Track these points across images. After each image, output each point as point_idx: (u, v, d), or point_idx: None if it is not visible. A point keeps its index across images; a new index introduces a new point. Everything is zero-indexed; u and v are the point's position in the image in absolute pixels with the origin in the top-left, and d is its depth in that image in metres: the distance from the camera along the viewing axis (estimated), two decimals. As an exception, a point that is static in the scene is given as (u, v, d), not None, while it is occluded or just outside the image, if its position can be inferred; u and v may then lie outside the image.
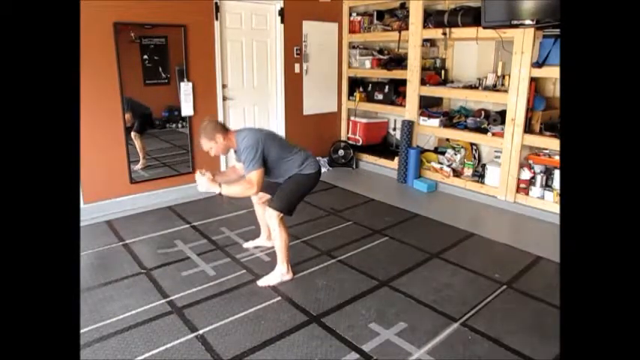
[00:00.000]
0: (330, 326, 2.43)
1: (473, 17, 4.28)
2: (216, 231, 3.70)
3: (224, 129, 2.76)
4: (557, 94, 4.31)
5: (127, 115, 4.11)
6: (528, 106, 4.04)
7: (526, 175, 4.17)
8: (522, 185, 4.20)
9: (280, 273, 2.86)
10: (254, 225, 3.45)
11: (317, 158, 5.59)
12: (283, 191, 2.81)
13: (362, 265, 3.11)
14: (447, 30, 4.55)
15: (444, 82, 5.05)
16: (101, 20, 3.77)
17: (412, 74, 4.96)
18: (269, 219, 2.80)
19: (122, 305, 2.61)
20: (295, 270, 2.97)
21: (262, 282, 2.85)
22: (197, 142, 4.50)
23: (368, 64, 5.63)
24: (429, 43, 5.27)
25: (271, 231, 2.85)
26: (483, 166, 4.62)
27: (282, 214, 2.78)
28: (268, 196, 2.97)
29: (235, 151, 2.85)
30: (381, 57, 5.64)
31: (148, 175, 4.43)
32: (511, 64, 4.09)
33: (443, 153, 5.07)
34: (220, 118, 4.68)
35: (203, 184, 2.66)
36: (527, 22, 3.70)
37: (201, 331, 2.37)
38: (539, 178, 4.12)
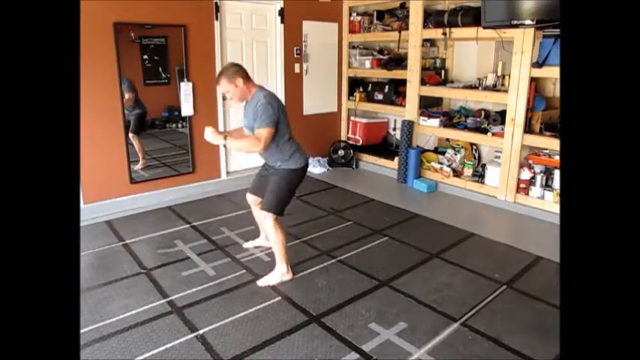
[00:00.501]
0: (330, 326, 2.43)
1: (473, 17, 4.28)
2: (216, 231, 3.70)
3: (247, 75, 2.70)
4: (557, 94, 4.32)
5: (128, 95, 4.08)
6: (528, 106, 4.04)
7: (526, 175, 4.17)
8: (522, 185, 4.20)
9: (280, 273, 2.86)
10: (254, 225, 3.45)
11: (317, 158, 5.64)
12: (271, 192, 2.78)
13: (362, 265, 3.11)
14: (447, 30, 4.55)
15: (444, 82, 5.05)
16: (101, 20, 3.77)
17: (412, 74, 4.96)
18: (264, 221, 2.80)
19: (122, 305, 2.61)
20: (295, 270, 2.97)
21: (262, 282, 2.85)
22: (198, 143, 4.54)
23: (368, 64, 5.63)
24: (429, 43, 5.27)
25: (268, 232, 2.85)
26: (483, 166, 4.62)
27: (274, 215, 2.76)
28: (260, 199, 2.95)
29: (246, 105, 2.78)
30: (381, 57, 5.64)
31: (147, 175, 4.43)
32: (511, 64, 4.09)
33: (443, 153, 5.07)
34: (220, 118, 4.69)
35: (209, 134, 2.64)
36: (527, 22, 3.70)
37: (201, 331, 2.37)
38: (539, 178, 4.12)
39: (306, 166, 2.88)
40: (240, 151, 2.87)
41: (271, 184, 2.81)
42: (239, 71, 2.67)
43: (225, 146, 2.67)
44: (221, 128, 4.71)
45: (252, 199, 3.12)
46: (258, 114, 2.61)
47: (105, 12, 3.77)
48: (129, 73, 4.08)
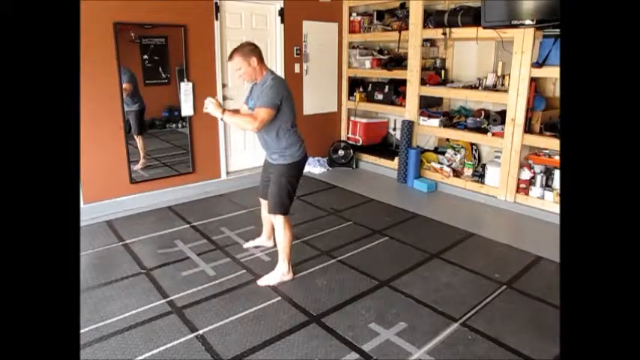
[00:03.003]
0: (330, 326, 2.43)
1: (473, 17, 4.28)
2: (216, 231, 3.70)
3: (261, 56, 2.69)
4: (557, 94, 4.31)
5: (126, 85, 4.06)
6: (528, 106, 4.04)
7: (526, 175, 4.17)
8: (522, 185, 4.20)
9: (281, 272, 2.86)
10: (254, 225, 3.45)
11: (317, 158, 5.64)
12: (272, 195, 2.77)
13: (362, 265, 3.11)
14: (447, 30, 4.55)
15: (444, 82, 5.05)
16: (101, 20, 3.77)
17: (412, 74, 4.96)
18: (274, 221, 2.81)
19: (122, 305, 2.61)
20: (295, 270, 2.97)
21: (262, 281, 2.85)
22: (198, 143, 4.54)
23: (368, 64, 5.63)
24: (429, 43, 5.27)
25: (276, 230, 2.85)
26: (483, 166, 4.62)
27: (282, 215, 2.78)
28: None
29: (253, 86, 2.77)
30: (381, 57, 5.64)
31: (148, 175, 4.43)
32: (511, 64, 4.09)
33: (443, 153, 5.07)
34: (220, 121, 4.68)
35: (210, 105, 2.61)
36: (527, 22, 3.70)
37: (201, 331, 2.37)
38: (539, 178, 4.12)
39: (304, 159, 2.83)
40: (236, 127, 2.82)
41: (271, 186, 2.81)
42: (255, 50, 2.65)
43: (222, 119, 2.64)
44: (221, 128, 4.72)
45: (264, 203, 3.12)
46: (260, 94, 2.61)
47: (105, 12, 3.77)
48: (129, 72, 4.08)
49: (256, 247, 3.37)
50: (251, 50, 2.64)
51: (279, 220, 2.78)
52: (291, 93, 2.74)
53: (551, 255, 3.24)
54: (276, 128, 2.70)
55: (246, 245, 3.39)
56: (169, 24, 4.22)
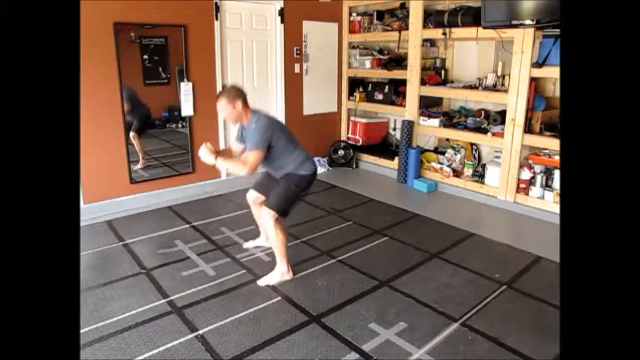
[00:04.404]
0: (330, 326, 2.43)
1: (473, 17, 4.28)
2: (216, 231, 3.70)
3: (246, 101, 2.79)
4: (557, 94, 4.31)
5: (126, 104, 4.07)
6: (528, 106, 4.04)
7: (526, 175, 4.17)
8: (522, 185, 4.20)
9: (280, 272, 2.86)
10: (254, 225, 3.45)
11: (317, 158, 5.64)
12: (278, 192, 2.81)
13: (362, 265, 3.11)
14: (447, 30, 4.55)
15: (444, 82, 5.05)
16: (101, 20, 3.76)
17: (412, 74, 4.96)
18: (265, 220, 2.81)
19: (122, 305, 2.61)
20: (295, 270, 2.97)
21: (262, 281, 2.85)
22: (197, 143, 4.53)
23: (368, 64, 5.63)
24: (429, 43, 5.27)
25: (268, 232, 2.86)
26: (483, 166, 4.62)
27: (277, 215, 2.78)
28: (263, 198, 2.98)
29: (242, 128, 2.90)
30: (381, 57, 5.64)
31: (148, 175, 4.43)
32: (511, 64, 4.09)
33: (443, 153, 5.06)
34: (220, 118, 4.69)
35: (203, 152, 2.75)
36: (527, 22, 3.70)
37: (201, 331, 2.37)
38: (539, 178, 4.12)
39: (315, 173, 2.94)
40: (230, 171, 3.04)
41: (280, 185, 2.84)
42: (240, 95, 2.77)
43: (215, 165, 2.79)
44: (221, 129, 4.72)
45: (253, 197, 3.13)
46: (248, 138, 2.76)
47: (105, 12, 3.77)
48: (129, 72, 4.07)
49: (256, 247, 3.37)
50: (236, 94, 2.75)
51: (269, 221, 2.77)
52: (281, 124, 2.93)
53: (551, 255, 3.24)
54: (281, 157, 2.81)
55: (246, 245, 3.39)
56: (169, 24, 4.22)
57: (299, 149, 2.87)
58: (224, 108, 2.75)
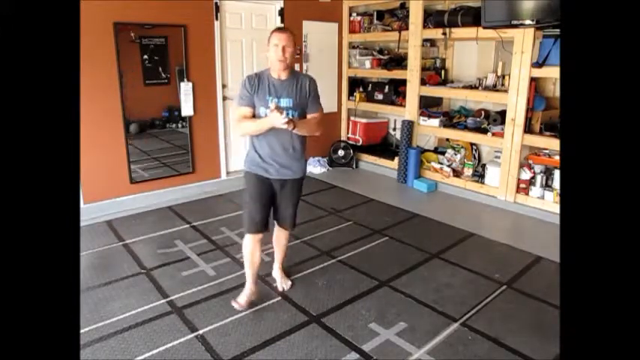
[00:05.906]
0: (330, 326, 2.43)
1: (473, 17, 4.28)
2: (216, 231, 3.70)
3: None
4: (557, 94, 4.31)
5: None
6: (528, 106, 4.04)
7: (526, 175, 4.17)
8: (522, 185, 4.20)
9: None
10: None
11: (317, 158, 5.63)
12: (292, 214, 2.64)
13: (362, 265, 3.11)
14: (447, 30, 4.55)
15: (444, 82, 5.05)
16: (101, 20, 3.76)
17: (412, 74, 4.95)
18: (284, 239, 2.73)
19: (122, 305, 2.61)
20: (295, 270, 2.98)
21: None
22: (198, 143, 4.53)
23: (368, 64, 5.63)
24: (429, 43, 5.27)
25: (282, 244, 2.78)
26: (483, 166, 4.62)
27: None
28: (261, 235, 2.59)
29: (271, 83, 2.42)
30: (381, 57, 5.64)
31: (148, 175, 4.43)
32: (511, 64, 4.09)
33: (443, 153, 5.06)
34: (220, 118, 4.69)
35: (276, 116, 2.22)
36: (527, 22, 3.70)
37: (201, 331, 2.37)
38: (539, 178, 4.12)
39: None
40: (304, 133, 2.45)
41: (289, 206, 2.60)
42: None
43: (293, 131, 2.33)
44: (221, 128, 4.72)
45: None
46: (311, 94, 2.42)
47: (105, 12, 3.77)
48: (129, 73, 4.07)
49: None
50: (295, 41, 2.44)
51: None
52: None
53: (551, 255, 3.24)
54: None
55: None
56: (169, 24, 4.22)
57: None
58: (289, 42, 2.33)
